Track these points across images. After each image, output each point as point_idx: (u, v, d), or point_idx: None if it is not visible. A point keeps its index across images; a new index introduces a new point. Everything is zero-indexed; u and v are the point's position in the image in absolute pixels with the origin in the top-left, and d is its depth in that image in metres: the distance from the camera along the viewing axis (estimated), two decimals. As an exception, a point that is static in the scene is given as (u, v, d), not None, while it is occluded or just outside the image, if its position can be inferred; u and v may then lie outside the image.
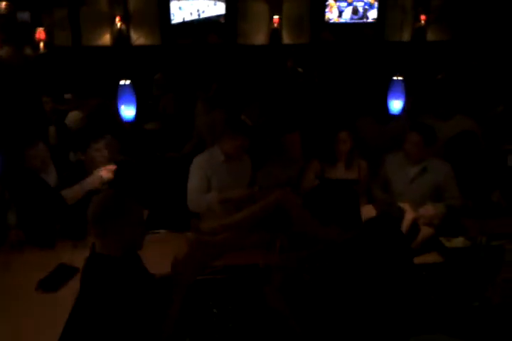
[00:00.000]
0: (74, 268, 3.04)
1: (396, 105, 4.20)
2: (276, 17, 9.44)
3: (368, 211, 3.34)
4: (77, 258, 3.17)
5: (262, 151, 4.04)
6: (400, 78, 4.16)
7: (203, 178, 3.62)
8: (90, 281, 2.18)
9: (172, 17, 9.37)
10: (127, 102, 3.81)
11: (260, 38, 9.62)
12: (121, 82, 3.78)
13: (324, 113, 5.10)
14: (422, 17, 9.56)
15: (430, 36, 9.72)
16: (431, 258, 3.16)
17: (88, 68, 8.47)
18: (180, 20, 9.44)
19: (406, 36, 9.72)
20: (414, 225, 3.24)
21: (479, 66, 7.55)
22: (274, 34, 9.55)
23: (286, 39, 9.67)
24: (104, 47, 9.40)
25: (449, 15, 9.40)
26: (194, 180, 3.63)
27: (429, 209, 3.39)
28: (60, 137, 4.49)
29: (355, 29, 9.64)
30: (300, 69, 7.74)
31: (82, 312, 2.18)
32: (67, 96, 6.96)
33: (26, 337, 2.55)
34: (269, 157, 4.04)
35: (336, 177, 3.91)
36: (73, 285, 2.64)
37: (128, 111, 3.81)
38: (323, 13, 9.48)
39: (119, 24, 9.29)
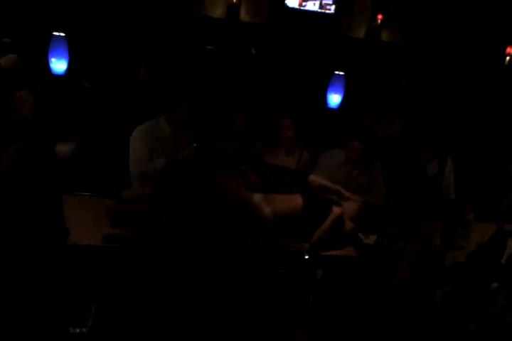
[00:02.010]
0: None
1: (335, 99, 4.25)
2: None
3: (295, 200, 3.37)
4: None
5: (205, 126, 4.00)
6: (341, 73, 4.20)
7: (147, 149, 3.58)
8: None
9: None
10: (59, 55, 3.63)
11: (217, 12, 9.42)
12: (55, 33, 3.58)
13: (271, 98, 5.10)
14: (379, 16, 9.65)
15: (384, 36, 9.83)
16: (347, 252, 3.24)
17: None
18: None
19: (361, 33, 9.79)
20: (339, 219, 3.29)
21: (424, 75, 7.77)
22: (232, 9, 9.38)
23: (243, 16, 9.52)
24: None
25: (405, 17, 9.53)
26: (138, 152, 3.58)
27: (351, 206, 3.46)
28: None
29: (313, 18, 9.61)
30: (253, 50, 7.66)
31: None
32: (6, 40, 6.58)
33: None
34: (212, 132, 4.01)
35: (275, 163, 3.95)
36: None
37: (59, 65, 3.63)
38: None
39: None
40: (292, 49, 8.47)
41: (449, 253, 2.85)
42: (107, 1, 7.98)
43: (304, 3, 9.42)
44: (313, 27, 9.46)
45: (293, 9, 9.49)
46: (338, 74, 4.21)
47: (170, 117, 3.64)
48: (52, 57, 3.65)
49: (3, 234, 2.04)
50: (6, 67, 4.14)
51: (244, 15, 9.47)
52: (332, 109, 4.34)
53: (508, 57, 8.28)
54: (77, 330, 2.30)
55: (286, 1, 9.39)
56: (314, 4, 9.48)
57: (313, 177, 3.83)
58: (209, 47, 8.08)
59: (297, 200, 3.36)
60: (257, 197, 3.24)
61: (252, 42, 8.30)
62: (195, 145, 3.59)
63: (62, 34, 3.62)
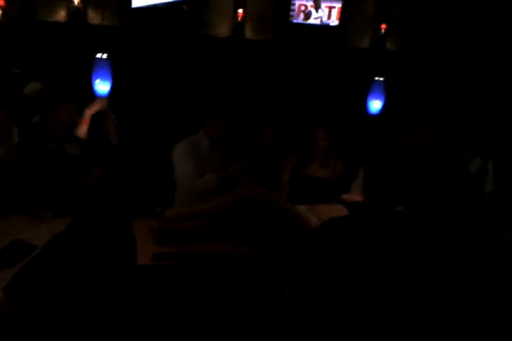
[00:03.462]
0: (31, 245, 2.84)
1: (376, 105, 4.23)
2: (240, 11, 9.33)
3: (339, 210, 3.35)
4: (32, 234, 3.00)
5: (235, 143, 3.99)
6: (381, 79, 4.19)
7: (194, 164, 3.57)
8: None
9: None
10: (103, 77, 3.64)
11: (223, 31, 9.48)
12: (98, 55, 3.59)
13: (302, 111, 5.09)
14: (383, 26, 9.69)
15: (389, 45, 9.86)
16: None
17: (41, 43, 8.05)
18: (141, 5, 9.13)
19: (365, 43, 9.83)
20: None
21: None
22: (238, 28, 9.44)
23: (249, 34, 9.57)
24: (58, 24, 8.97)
25: (409, 25, 9.56)
26: (187, 166, 3.56)
27: None
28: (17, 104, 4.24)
29: (317, 32, 9.65)
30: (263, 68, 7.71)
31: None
32: (16, 70, 6.63)
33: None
34: (241, 149, 3.99)
35: (310, 175, 3.94)
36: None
37: (103, 86, 3.63)
38: (288, 13, 9.43)
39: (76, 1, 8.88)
40: (304, 62, 8.49)
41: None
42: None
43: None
44: (317, 40, 9.51)
45: (297, 24, 9.56)
46: (378, 81, 4.20)
47: (207, 132, 3.63)
48: (96, 79, 3.65)
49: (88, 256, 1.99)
50: (30, 94, 4.14)
51: (249, 33, 9.54)
52: (373, 116, 4.32)
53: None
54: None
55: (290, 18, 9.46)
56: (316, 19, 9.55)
57: (345, 197, 3.81)
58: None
59: (341, 210, 3.34)
60: (301, 208, 3.23)
61: (259, 58, 8.33)
62: (244, 160, 3.56)
63: (105, 55, 3.62)
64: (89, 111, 3.67)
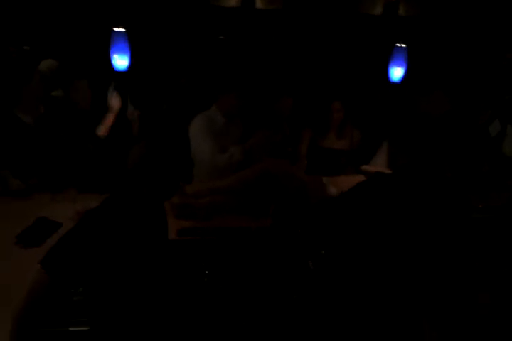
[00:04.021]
0: (56, 222, 2.88)
1: (397, 73, 4.15)
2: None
3: (359, 179, 3.32)
4: (56, 212, 3.04)
5: (252, 115, 3.96)
6: (403, 46, 4.11)
7: (212, 139, 3.53)
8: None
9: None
10: (120, 51, 3.59)
11: (232, 1, 9.32)
12: (116, 29, 3.54)
13: (319, 81, 5.03)
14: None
15: (402, 11, 9.64)
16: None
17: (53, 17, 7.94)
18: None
19: (378, 10, 9.62)
20: None
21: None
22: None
23: (258, 4, 9.40)
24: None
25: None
26: (205, 142, 3.52)
27: None
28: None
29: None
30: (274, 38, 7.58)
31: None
32: (26, 47, 6.54)
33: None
34: (259, 121, 3.98)
35: (328, 147, 3.92)
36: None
37: (121, 61, 3.58)
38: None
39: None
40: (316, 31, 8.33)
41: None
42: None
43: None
44: (330, 8, 9.32)
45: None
46: (400, 47, 4.11)
47: (221, 107, 3.58)
48: (114, 54, 3.60)
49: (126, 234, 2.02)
50: (45, 72, 4.10)
51: (259, 2, 9.37)
52: (395, 84, 4.25)
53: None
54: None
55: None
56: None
57: (366, 167, 3.79)
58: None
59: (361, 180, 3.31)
60: (325, 179, 3.22)
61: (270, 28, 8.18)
62: (265, 131, 3.52)
63: (123, 29, 3.57)
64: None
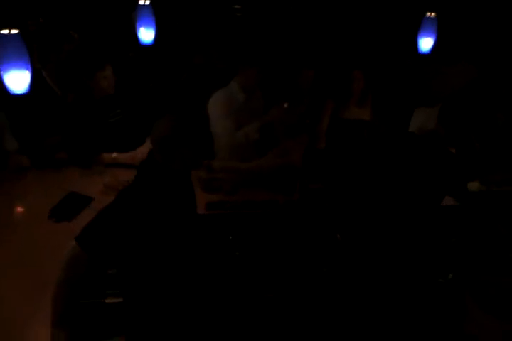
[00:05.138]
0: (87, 197, 2.93)
1: (427, 43, 4.07)
2: None
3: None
4: (85, 186, 3.08)
5: (273, 88, 3.92)
6: (432, 16, 4.01)
7: (231, 117, 3.46)
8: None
9: None
10: (146, 24, 3.56)
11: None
12: (141, 1, 3.50)
13: (338, 52, 4.95)
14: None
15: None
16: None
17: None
18: None
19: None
20: None
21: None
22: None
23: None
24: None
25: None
26: (224, 120, 3.44)
27: None
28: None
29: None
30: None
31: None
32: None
33: (39, 265, 2.43)
34: (280, 93, 3.94)
35: (350, 117, 3.87)
36: (87, 215, 2.55)
37: (147, 34, 3.56)
38: None
39: None
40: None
41: None
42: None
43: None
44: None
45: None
46: (429, 17, 4.02)
47: (243, 82, 3.53)
48: (140, 27, 3.57)
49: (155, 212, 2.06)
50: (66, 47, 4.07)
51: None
52: (424, 54, 4.17)
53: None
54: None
55: None
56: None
57: None
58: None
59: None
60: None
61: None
62: (282, 105, 3.48)
63: (148, 2, 3.52)
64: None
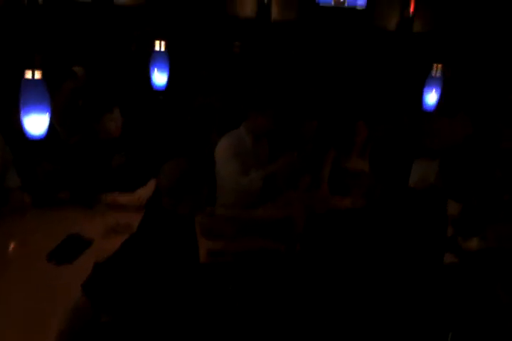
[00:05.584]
0: (87, 240, 2.90)
1: (431, 100, 4.17)
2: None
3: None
4: (86, 227, 3.06)
5: (278, 137, 3.97)
6: (438, 75, 4.10)
7: (239, 162, 3.49)
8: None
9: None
10: (160, 68, 3.62)
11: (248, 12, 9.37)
12: (156, 48, 3.57)
13: (340, 102, 5.05)
14: (411, 6, 9.51)
15: (416, 27, 9.66)
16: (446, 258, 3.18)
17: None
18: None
19: (392, 25, 9.67)
20: None
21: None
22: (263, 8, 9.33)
23: (274, 15, 9.46)
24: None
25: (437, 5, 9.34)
26: (232, 164, 3.47)
27: None
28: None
29: (344, 13, 9.52)
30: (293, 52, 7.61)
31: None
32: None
33: (38, 310, 2.35)
34: (285, 142, 3.98)
35: (352, 167, 3.92)
36: (87, 258, 2.53)
37: (160, 78, 3.60)
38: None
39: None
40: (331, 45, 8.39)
41: None
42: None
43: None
44: (345, 21, 9.38)
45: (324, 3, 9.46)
46: (435, 77, 4.13)
47: (252, 127, 3.56)
48: (154, 71, 3.62)
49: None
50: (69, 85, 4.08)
51: (275, 14, 9.43)
52: (429, 111, 4.26)
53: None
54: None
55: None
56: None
57: None
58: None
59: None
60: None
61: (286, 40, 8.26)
62: (288, 156, 3.51)
63: (163, 48, 3.60)
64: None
